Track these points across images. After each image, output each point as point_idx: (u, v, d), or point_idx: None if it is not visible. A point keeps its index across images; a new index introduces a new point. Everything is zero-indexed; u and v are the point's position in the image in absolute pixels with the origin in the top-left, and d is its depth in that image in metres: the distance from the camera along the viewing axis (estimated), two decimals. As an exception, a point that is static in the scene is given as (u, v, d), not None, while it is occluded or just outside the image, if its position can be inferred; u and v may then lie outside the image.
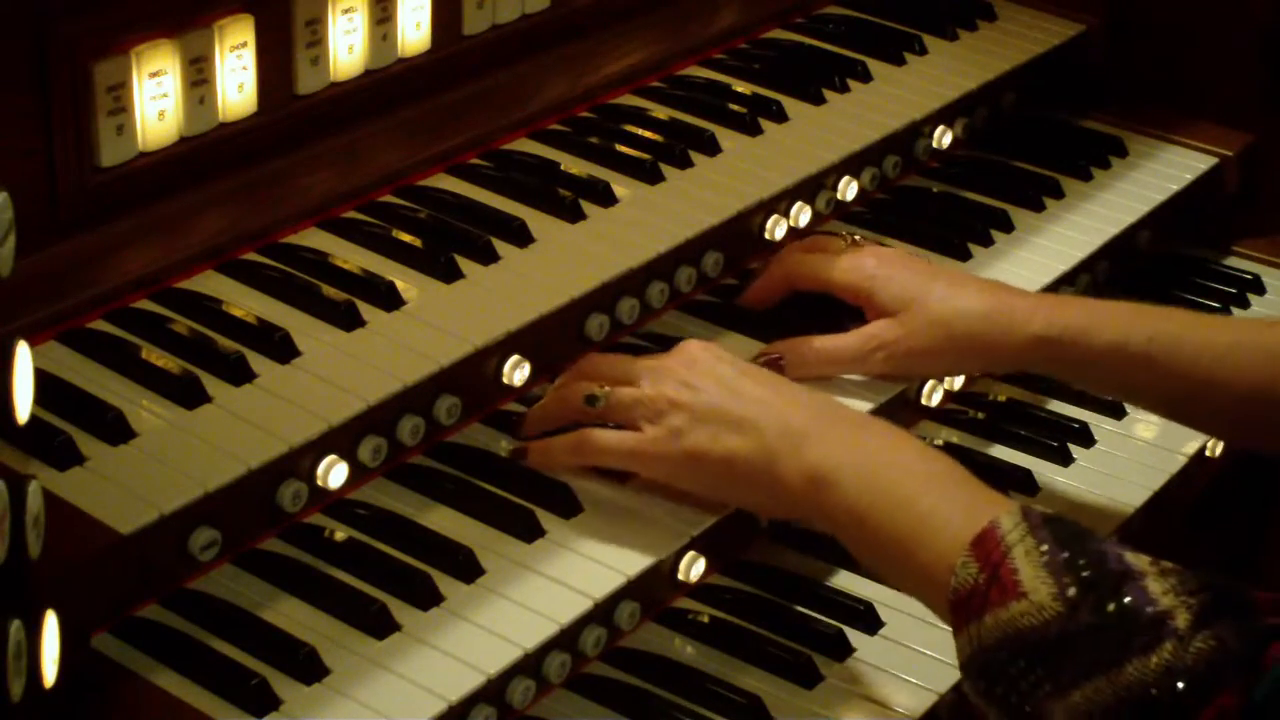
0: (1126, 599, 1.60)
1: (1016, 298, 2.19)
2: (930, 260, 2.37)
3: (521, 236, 2.20)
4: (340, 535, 1.91)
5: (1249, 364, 2.09)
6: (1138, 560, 1.64)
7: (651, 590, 1.98)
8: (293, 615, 1.81)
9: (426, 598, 1.84)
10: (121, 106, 2.00)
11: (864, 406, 2.16)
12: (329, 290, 2.06)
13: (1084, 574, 1.63)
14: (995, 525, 1.70)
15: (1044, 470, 2.33)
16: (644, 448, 1.96)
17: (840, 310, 2.25)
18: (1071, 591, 1.62)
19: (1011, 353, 2.18)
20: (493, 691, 1.79)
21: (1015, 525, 1.70)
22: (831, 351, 2.19)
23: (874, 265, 2.23)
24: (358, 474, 1.94)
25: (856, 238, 2.30)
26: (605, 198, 2.29)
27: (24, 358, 1.49)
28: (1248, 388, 2.09)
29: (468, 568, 1.88)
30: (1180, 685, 1.54)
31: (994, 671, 1.66)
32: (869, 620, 2.04)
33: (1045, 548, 1.66)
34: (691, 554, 2.00)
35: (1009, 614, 1.64)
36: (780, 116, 2.52)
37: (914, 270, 2.22)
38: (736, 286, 2.36)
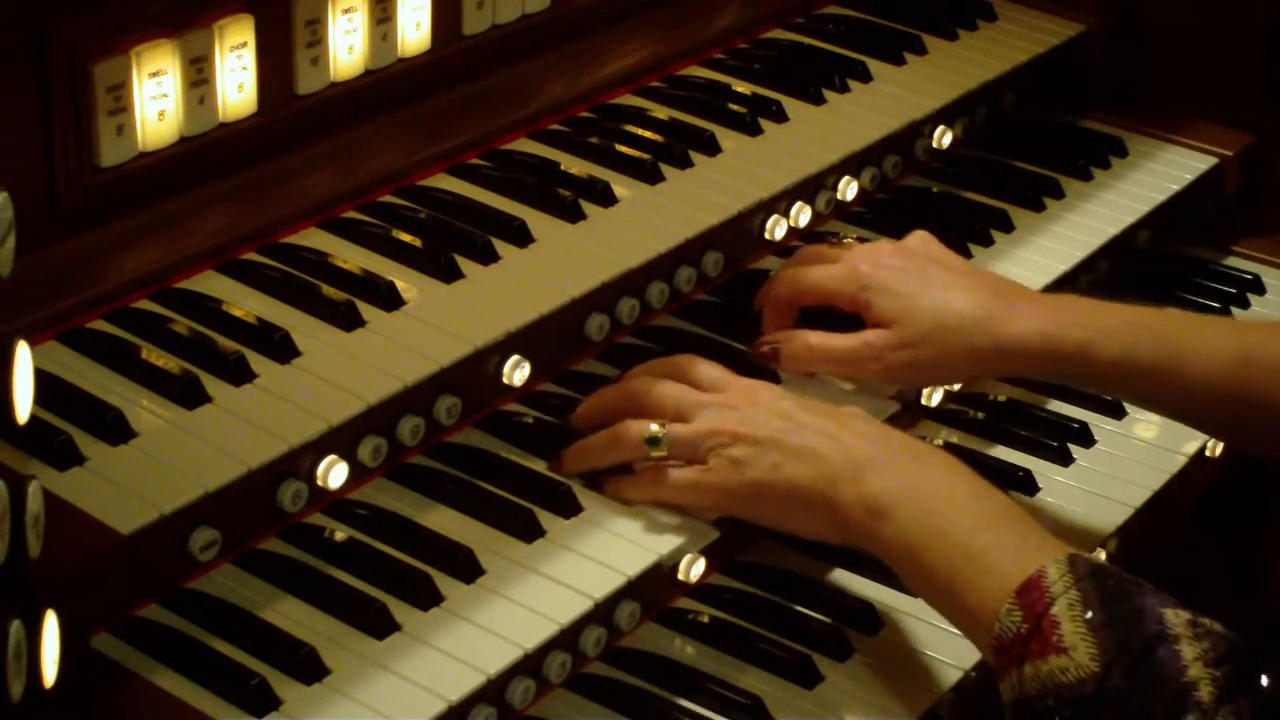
0: (1157, 665, 1.61)
1: (1011, 304, 2.14)
2: (920, 252, 2.30)
3: (521, 236, 2.20)
4: (340, 535, 1.91)
5: (1256, 376, 2.08)
6: (1176, 619, 1.65)
7: (651, 590, 1.98)
8: (293, 615, 1.81)
9: (426, 598, 1.84)
10: (121, 106, 2.00)
11: (867, 404, 2.16)
12: (329, 290, 2.06)
13: (1120, 634, 1.65)
14: (1042, 574, 1.72)
15: (1044, 470, 2.32)
16: (708, 480, 1.96)
17: (843, 315, 2.26)
18: (1107, 652, 1.64)
19: (1009, 365, 2.18)
20: (493, 691, 1.79)
21: (1061, 576, 1.71)
22: (827, 350, 2.18)
23: (867, 272, 2.18)
24: (358, 474, 1.94)
25: (847, 240, 2.28)
26: (605, 198, 2.29)
27: (24, 358, 1.49)
28: (1256, 397, 2.08)
29: (468, 568, 1.88)
30: None
31: (1033, 718, 1.67)
32: (869, 620, 2.04)
33: (1087, 602, 1.68)
34: (691, 554, 2.00)
35: (1048, 667, 1.66)
36: (780, 116, 2.52)
37: (906, 276, 2.17)
38: (737, 287, 2.36)
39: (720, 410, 1.98)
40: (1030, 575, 1.72)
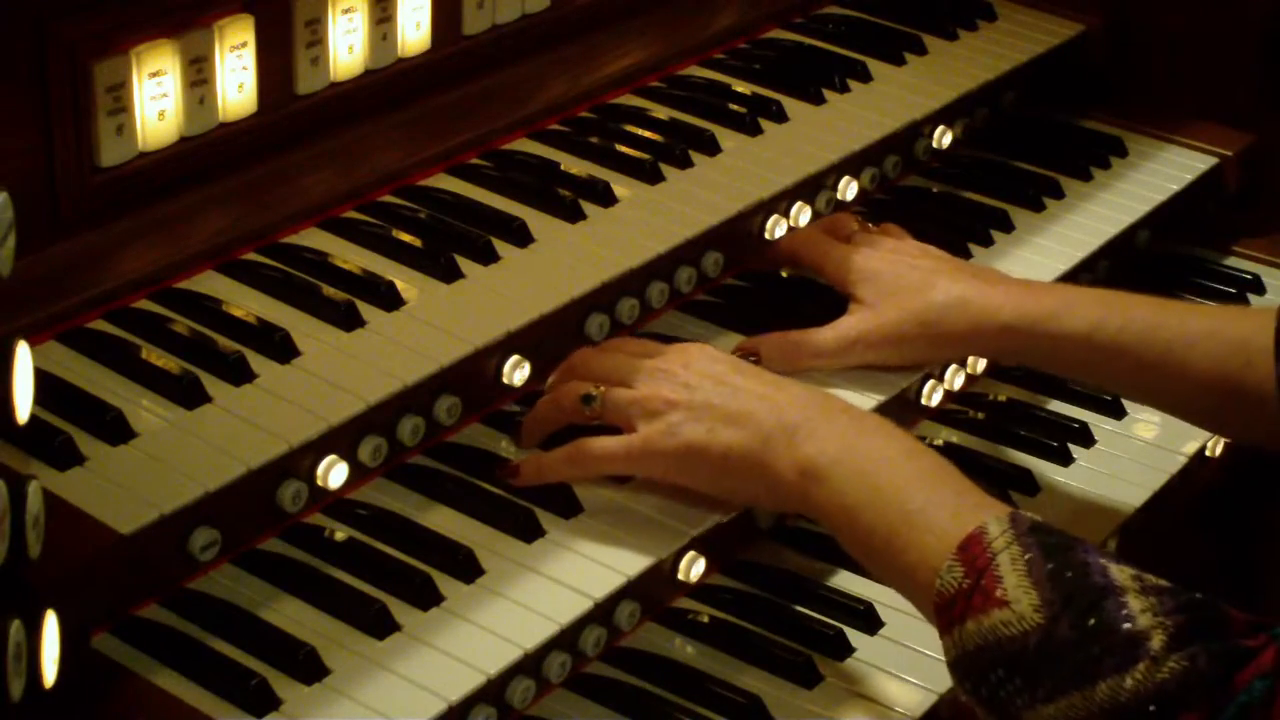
0: (1105, 615, 1.60)
1: (991, 286, 2.20)
2: (926, 252, 2.34)
3: (521, 236, 2.20)
4: (340, 535, 1.91)
5: (1221, 353, 2.08)
6: (1121, 574, 1.64)
7: (651, 590, 1.98)
8: (293, 615, 1.81)
9: (426, 598, 1.84)
10: (121, 106, 2.00)
11: (865, 404, 2.17)
12: (329, 290, 2.06)
13: (1065, 587, 1.64)
14: (982, 531, 1.71)
15: (1044, 470, 2.33)
16: (640, 446, 1.97)
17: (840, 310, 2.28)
18: (1052, 604, 1.63)
19: (983, 341, 2.21)
20: (493, 691, 1.79)
21: (1002, 532, 1.70)
22: (810, 345, 2.21)
23: (860, 262, 2.25)
24: (358, 474, 1.94)
25: (870, 227, 2.35)
26: (605, 198, 2.29)
27: (24, 358, 1.49)
28: (1218, 377, 2.08)
29: (468, 568, 1.88)
30: (1151, 708, 1.55)
31: (976, 675, 1.67)
32: (869, 620, 2.04)
33: (1030, 557, 1.67)
34: (691, 554, 2.01)
35: (990, 621, 1.65)
36: (780, 116, 2.52)
37: (895, 266, 2.24)
38: (738, 287, 2.36)
39: (655, 376, 1.99)
40: (971, 531, 1.71)
